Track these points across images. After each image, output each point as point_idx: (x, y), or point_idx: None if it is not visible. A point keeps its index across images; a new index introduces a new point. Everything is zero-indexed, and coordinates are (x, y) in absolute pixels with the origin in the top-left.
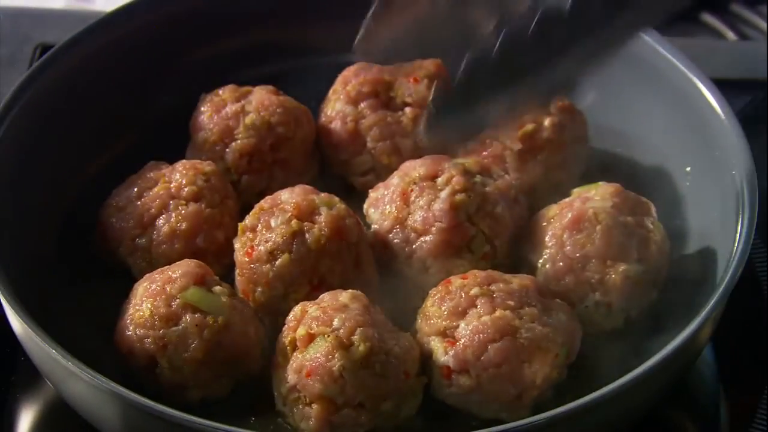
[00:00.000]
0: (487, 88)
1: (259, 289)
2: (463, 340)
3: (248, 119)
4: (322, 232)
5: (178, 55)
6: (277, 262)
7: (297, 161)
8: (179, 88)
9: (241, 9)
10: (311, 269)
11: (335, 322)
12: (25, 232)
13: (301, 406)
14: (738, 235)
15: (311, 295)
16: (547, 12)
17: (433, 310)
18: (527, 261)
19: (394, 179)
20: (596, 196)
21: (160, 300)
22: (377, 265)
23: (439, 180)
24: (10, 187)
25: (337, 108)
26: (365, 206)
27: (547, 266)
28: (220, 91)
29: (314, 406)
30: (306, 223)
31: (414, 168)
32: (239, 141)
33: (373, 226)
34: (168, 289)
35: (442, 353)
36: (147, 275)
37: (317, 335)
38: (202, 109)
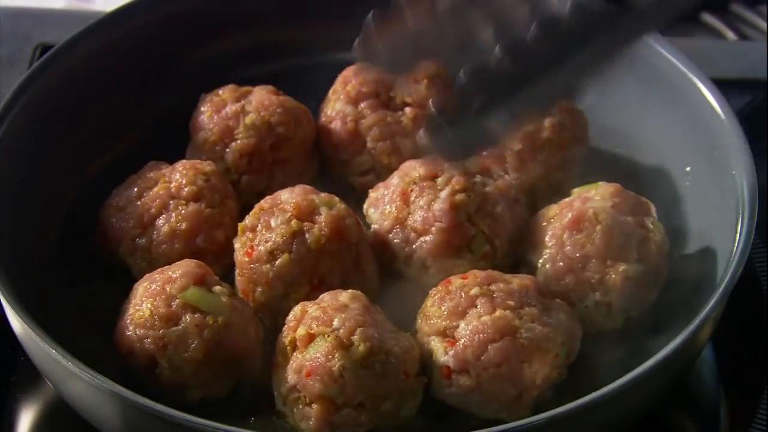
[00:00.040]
0: (489, 99)
1: (259, 289)
2: (463, 340)
3: (248, 119)
4: (322, 232)
5: (178, 55)
6: (277, 262)
7: (297, 161)
8: (179, 88)
9: (241, 9)
10: (311, 269)
11: (335, 322)
12: (25, 232)
13: (301, 406)
14: (738, 235)
15: (311, 295)
16: (546, 19)
17: (433, 310)
18: (527, 261)
19: (394, 179)
20: (596, 196)
21: (160, 300)
22: (377, 265)
23: (439, 180)
24: (10, 187)
25: (337, 108)
26: (365, 206)
27: (547, 266)
28: (220, 91)
29: (314, 406)
30: (306, 223)
31: (414, 168)
32: (239, 141)
33: (373, 226)
34: (168, 289)
35: (442, 353)
36: (147, 275)
37: (317, 335)
38: (202, 109)
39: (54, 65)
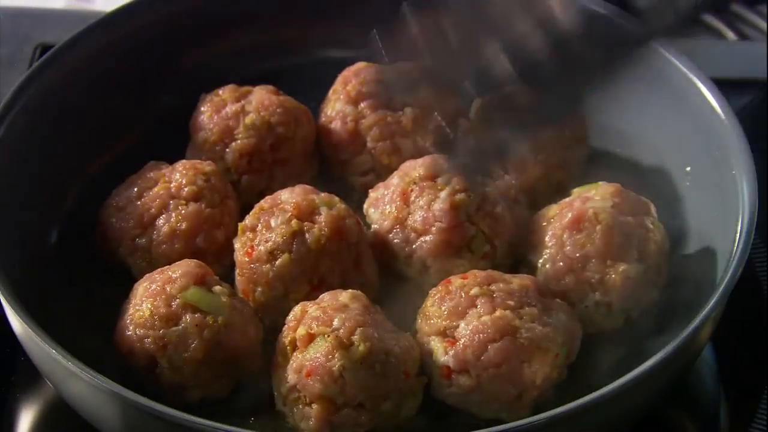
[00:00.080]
0: (504, 119)
1: (259, 289)
2: (463, 340)
3: (248, 119)
4: (322, 232)
5: (178, 55)
6: (277, 262)
7: (297, 161)
8: (179, 88)
9: (241, 9)
10: (311, 269)
11: (335, 322)
12: (25, 232)
13: (301, 406)
14: (738, 235)
15: (311, 295)
16: (555, 33)
17: (433, 310)
18: (527, 261)
19: (394, 179)
20: (596, 196)
21: (160, 300)
22: (377, 265)
23: (439, 180)
24: (10, 187)
25: (337, 108)
26: (365, 206)
27: (547, 266)
28: (220, 91)
29: (314, 406)
30: (306, 223)
31: (414, 168)
32: (239, 141)
33: (373, 226)
34: (168, 289)
35: (442, 353)
36: (147, 275)
37: (317, 335)
38: (202, 109)
39: (54, 65)
